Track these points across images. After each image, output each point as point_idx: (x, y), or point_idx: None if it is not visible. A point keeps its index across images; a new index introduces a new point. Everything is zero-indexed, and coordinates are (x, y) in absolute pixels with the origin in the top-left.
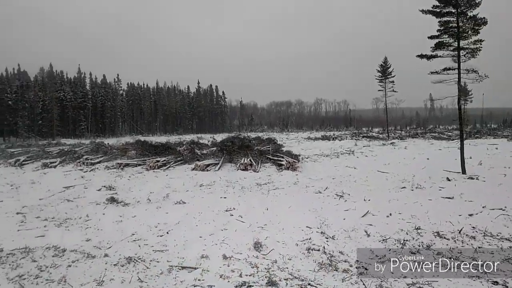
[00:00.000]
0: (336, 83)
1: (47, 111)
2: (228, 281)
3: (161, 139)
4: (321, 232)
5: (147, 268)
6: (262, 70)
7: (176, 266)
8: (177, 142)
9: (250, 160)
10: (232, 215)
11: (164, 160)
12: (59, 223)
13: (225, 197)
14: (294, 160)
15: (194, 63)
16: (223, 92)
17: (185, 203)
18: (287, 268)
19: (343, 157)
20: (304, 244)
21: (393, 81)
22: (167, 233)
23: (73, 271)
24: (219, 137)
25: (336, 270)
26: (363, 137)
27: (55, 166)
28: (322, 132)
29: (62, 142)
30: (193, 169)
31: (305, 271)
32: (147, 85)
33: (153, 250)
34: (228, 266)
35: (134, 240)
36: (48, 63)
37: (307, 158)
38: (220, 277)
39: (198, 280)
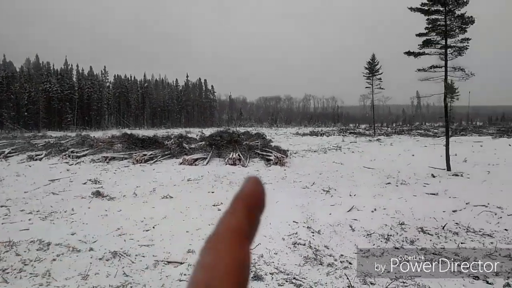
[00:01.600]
0: (325, 79)
1: (33, 103)
2: None
3: (149, 132)
4: (308, 227)
5: (133, 262)
6: (253, 64)
7: (162, 261)
8: (164, 135)
9: (238, 154)
10: (220, 210)
11: (151, 154)
12: (44, 217)
13: (213, 192)
14: (283, 156)
15: (192, 57)
16: (212, 86)
17: (172, 197)
18: (273, 262)
19: (331, 152)
20: (291, 238)
21: (380, 78)
22: (153, 227)
23: (58, 265)
24: (208, 131)
25: (321, 264)
26: (350, 133)
27: (40, 159)
28: (311, 128)
29: (48, 134)
30: (181, 163)
31: (290, 265)
32: (134, 78)
33: (139, 245)
34: None
35: (120, 235)
36: (35, 54)
37: (295, 153)
38: None
39: (184, 275)
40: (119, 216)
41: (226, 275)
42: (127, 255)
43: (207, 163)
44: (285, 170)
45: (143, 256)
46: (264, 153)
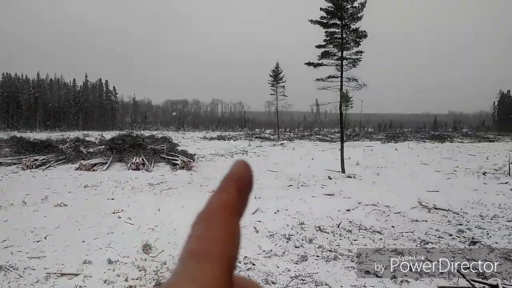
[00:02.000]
0: (232, 85)
1: None
2: (113, 286)
3: (41, 135)
4: None
5: (21, 276)
6: (160, 66)
7: (55, 273)
8: (59, 139)
9: (142, 159)
10: (120, 217)
11: (44, 159)
12: None
13: (113, 199)
14: (189, 160)
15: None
16: (114, 87)
17: (66, 205)
18: None
19: (237, 156)
20: None
21: (283, 86)
22: (45, 238)
23: None
24: (109, 134)
25: None
26: (256, 138)
27: None
28: (218, 132)
29: None
30: (77, 168)
31: None
32: (26, 77)
33: (28, 257)
34: (114, 270)
35: (6, 247)
36: None
37: (202, 157)
38: (104, 282)
39: (80, 286)
40: (5, 226)
41: (220, 245)
42: (14, 269)
43: (107, 168)
44: (191, 174)
45: (33, 269)
46: (170, 158)
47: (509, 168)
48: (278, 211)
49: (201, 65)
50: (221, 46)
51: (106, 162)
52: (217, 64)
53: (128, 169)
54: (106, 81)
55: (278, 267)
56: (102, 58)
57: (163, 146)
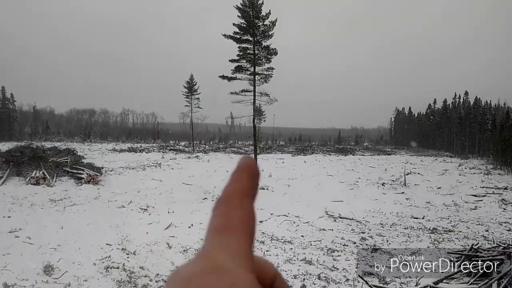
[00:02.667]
0: (144, 95)
1: None
2: None
3: None
4: (122, 249)
5: None
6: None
7: None
8: None
9: (43, 173)
10: (18, 237)
11: None
12: None
13: (9, 216)
14: (96, 173)
15: None
16: (11, 94)
17: None
18: None
19: (150, 169)
20: (103, 262)
21: (198, 98)
22: None
23: None
24: (5, 146)
25: (135, 287)
26: (170, 150)
27: None
28: (129, 144)
29: None
30: None
31: None
32: None
33: None
34: None
35: None
36: None
37: (111, 171)
38: None
39: None
40: None
41: (241, 221)
42: None
43: (2, 183)
44: (98, 189)
45: None
46: (75, 171)
47: (405, 179)
48: (192, 225)
49: (110, 72)
50: (133, 52)
51: (2, 177)
52: (128, 72)
53: (27, 184)
54: (3, 87)
55: None
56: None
57: (67, 159)
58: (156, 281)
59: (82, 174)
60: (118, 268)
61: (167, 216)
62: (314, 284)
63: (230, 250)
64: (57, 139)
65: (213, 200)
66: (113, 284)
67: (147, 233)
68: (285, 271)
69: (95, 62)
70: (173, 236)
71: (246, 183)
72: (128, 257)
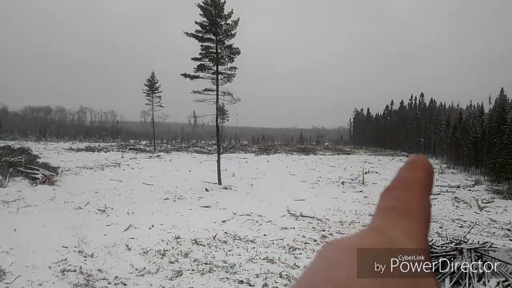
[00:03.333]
0: (102, 92)
1: None
2: None
3: None
4: (79, 251)
5: None
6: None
7: None
8: None
9: None
10: None
11: None
12: None
13: None
14: (52, 174)
15: None
16: None
17: None
18: None
19: (108, 169)
20: (59, 266)
21: (160, 96)
22: None
23: None
24: None
25: None
26: (130, 149)
27: None
28: (87, 143)
29: None
30: None
31: None
32: None
33: None
34: None
35: None
36: None
37: (67, 171)
38: None
39: None
40: None
41: (418, 208)
42: None
43: None
44: (54, 189)
45: None
46: (29, 171)
47: (363, 178)
48: (153, 226)
49: (66, 68)
50: (90, 47)
51: None
52: (86, 69)
53: None
54: None
55: (151, 285)
56: None
57: (21, 158)
58: (115, 284)
59: (37, 174)
60: (75, 271)
61: (127, 217)
62: (276, 282)
63: (408, 234)
64: (11, 138)
65: (175, 200)
66: (69, 287)
67: (105, 235)
68: (248, 270)
69: (52, 60)
70: (132, 238)
71: (423, 175)
72: (85, 260)
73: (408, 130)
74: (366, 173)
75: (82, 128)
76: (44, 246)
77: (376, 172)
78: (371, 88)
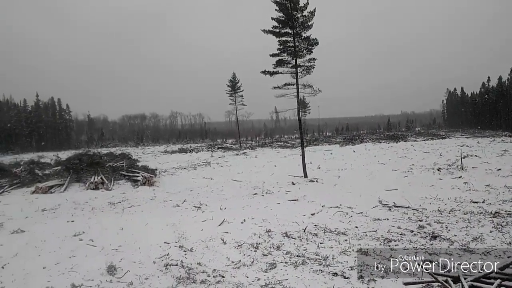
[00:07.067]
0: (190, 96)
1: None
2: None
3: None
4: (180, 246)
5: None
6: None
7: None
8: (12, 162)
9: (101, 178)
10: (82, 240)
11: None
12: None
13: (72, 221)
14: (151, 175)
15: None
16: (67, 105)
17: (24, 231)
18: None
19: (200, 168)
20: (162, 260)
21: (242, 95)
22: (2, 267)
23: None
24: (65, 154)
25: (194, 282)
26: (218, 148)
27: None
28: (179, 145)
29: None
30: (33, 192)
31: None
32: None
33: None
34: None
35: None
36: None
37: (164, 172)
38: None
39: None
40: None
41: None
42: None
43: (64, 190)
44: (154, 190)
45: None
46: (131, 174)
47: (461, 163)
48: (244, 220)
49: (155, 78)
50: (174, 58)
51: (64, 184)
52: (174, 76)
53: (87, 189)
54: (59, 99)
55: (247, 277)
56: (51, 75)
57: (123, 163)
58: (213, 276)
59: (137, 176)
60: (176, 265)
61: (220, 213)
62: (372, 275)
63: None
64: (112, 145)
65: (263, 195)
66: (172, 281)
67: (202, 230)
68: (341, 262)
69: (141, 68)
70: (227, 232)
71: None
72: (185, 254)
73: (509, 108)
74: (464, 157)
75: (174, 132)
76: (148, 242)
77: (476, 156)
78: (464, 66)
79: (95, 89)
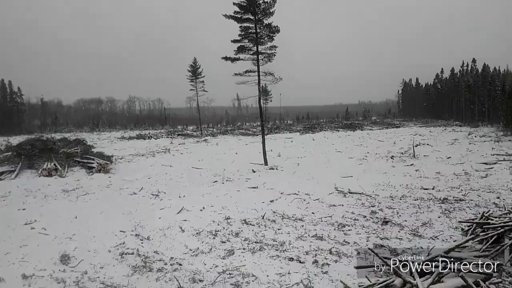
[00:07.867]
0: (149, 81)
1: None
2: None
3: None
4: (136, 235)
5: None
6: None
7: None
8: None
9: (54, 164)
10: (34, 228)
11: None
12: None
13: (24, 209)
14: (106, 162)
15: None
16: (18, 88)
17: None
18: (98, 277)
19: (159, 155)
20: (117, 249)
21: (203, 81)
22: None
23: None
24: (16, 139)
25: (151, 271)
26: (178, 135)
27: None
28: (137, 131)
29: None
30: None
31: (118, 277)
32: None
33: None
34: (30, 286)
35: None
36: None
37: (121, 158)
38: None
39: None
40: None
41: None
42: None
43: (15, 177)
44: (110, 177)
45: None
46: (86, 161)
47: (414, 151)
48: (204, 208)
49: (113, 60)
50: (131, 39)
51: (14, 170)
52: (131, 60)
53: (40, 176)
54: (9, 81)
55: (205, 264)
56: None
57: (77, 149)
58: (171, 264)
59: (92, 163)
60: (132, 254)
61: (179, 201)
62: (326, 259)
63: None
64: (67, 130)
65: (223, 183)
66: (128, 269)
67: (159, 218)
68: (297, 247)
69: (101, 58)
70: (185, 220)
71: None
72: (142, 243)
73: (460, 98)
74: (416, 145)
75: (132, 117)
76: (103, 231)
77: (427, 144)
78: (419, 57)
79: (49, 70)
